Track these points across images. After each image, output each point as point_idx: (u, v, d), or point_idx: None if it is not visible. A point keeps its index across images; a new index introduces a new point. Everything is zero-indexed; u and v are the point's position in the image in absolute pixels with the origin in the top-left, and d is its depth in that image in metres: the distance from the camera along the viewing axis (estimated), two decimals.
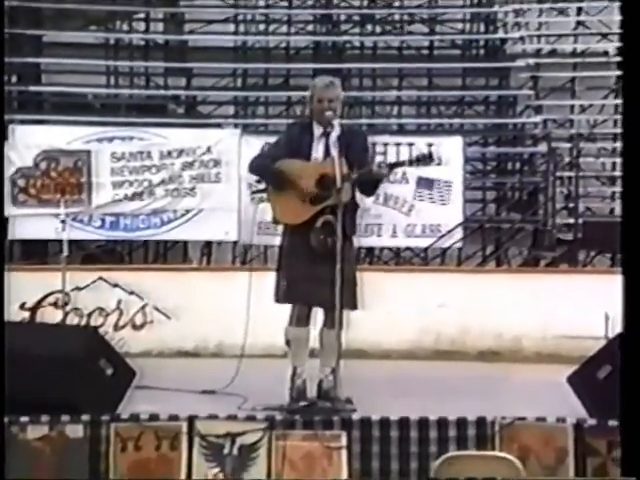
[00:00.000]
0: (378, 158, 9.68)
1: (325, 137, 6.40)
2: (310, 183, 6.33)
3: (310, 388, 6.50)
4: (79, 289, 9.03)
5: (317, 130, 6.46)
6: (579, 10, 13.52)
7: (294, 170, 6.36)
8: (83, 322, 8.97)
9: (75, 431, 5.87)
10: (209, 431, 5.93)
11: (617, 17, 13.25)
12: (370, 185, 6.48)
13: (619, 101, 12.88)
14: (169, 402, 6.48)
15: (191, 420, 5.95)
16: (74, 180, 10.23)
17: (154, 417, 5.97)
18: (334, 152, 6.32)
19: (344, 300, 6.25)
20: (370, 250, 10.91)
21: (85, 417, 5.89)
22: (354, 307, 6.48)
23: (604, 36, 13.39)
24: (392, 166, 6.69)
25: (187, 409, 6.11)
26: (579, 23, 13.49)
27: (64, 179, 10.23)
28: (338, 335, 6.21)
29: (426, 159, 6.48)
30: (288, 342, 6.56)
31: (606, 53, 13.26)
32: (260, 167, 6.59)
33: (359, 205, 6.60)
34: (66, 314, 8.95)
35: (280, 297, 6.49)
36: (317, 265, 6.23)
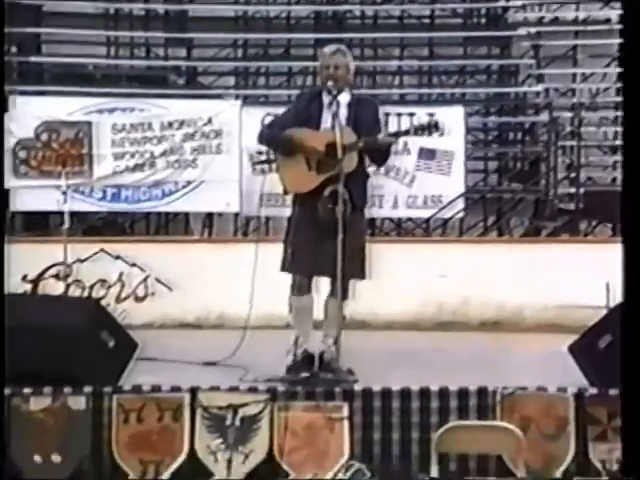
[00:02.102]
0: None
1: (335, 106, 6.39)
2: (318, 151, 6.33)
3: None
4: (81, 261, 9.05)
5: (326, 99, 6.46)
6: None
7: (303, 138, 6.38)
8: (85, 294, 9.00)
9: (78, 403, 5.90)
10: (211, 402, 5.96)
11: None
12: (379, 154, 6.48)
13: (621, 69, 12.85)
14: (171, 374, 6.50)
15: (193, 391, 5.97)
16: (75, 151, 10.21)
17: (156, 388, 5.99)
18: (342, 121, 6.32)
19: (352, 270, 6.30)
20: (371, 221, 10.89)
21: (87, 389, 5.92)
22: (362, 277, 6.50)
23: (606, 3, 13.26)
24: (397, 134, 6.69)
25: (189, 381, 6.13)
26: None
27: (65, 150, 10.21)
28: (340, 305, 6.23)
29: (431, 127, 6.50)
30: (291, 311, 6.59)
31: (608, 20, 13.14)
32: (269, 136, 6.62)
33: (369, 175, 6.61)
34: (68, 286, 8.97)
35: (286, 266, 6.50)
36: (324, 235, 6.24)
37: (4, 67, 10.78)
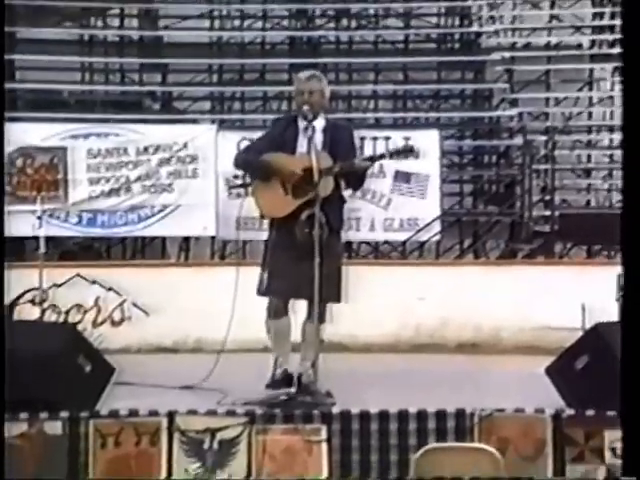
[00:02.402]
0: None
1: (310, 131, 6.42)
2: (294, 176, 6.36)
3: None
4: (57, 286, 9.00)
5: (301, 124, 6.50)
6: (552, 3, 13.58)
7: (279, 163, 6.40)
8: (61, 319, 8.95)
9: (54, 428, 5.86)
10: (189, 426, 5.93)
11: (589, 10, 13.39)
12: (355, 178, 6.53)
13: (593, 93, 13.00)
14: (149, 398, 6.47)
15: (171, 415, 5.94)
16: (50, 177, 10.18)
17: (134, 413, 5.96)
18: (318, 146, 6.35)
19: (329, 293, 6.31)
20: (348, 244, 10.91)
21: (64, 414, 5.88)
22: (338, 300, 6.52)
23: (577, 29, 13.47)
24: (373, 159, 6.72)
25: (167, 405, 6.10)
26: (552, 16, 13.54)
27: (40, 176, 10.17)
28: (317, 328, 6.24)
29: (407, 151, 6.58)
30: (269, 333, 6.59)
31: (579, 46, 13.35)
32: (245, 161, 6.67)
33: (345, 199, 6.64)
34: (44, 311, 8.91)
35: (263, 290, 6.51)
36: (302, 258, 6.25)
37: None
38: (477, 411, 6.01)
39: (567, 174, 12.10)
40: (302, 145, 6.48)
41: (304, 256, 6.22)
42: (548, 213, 11.08)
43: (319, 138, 6.43)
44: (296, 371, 6.48)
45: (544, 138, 12.05)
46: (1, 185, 9.51)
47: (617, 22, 13.01)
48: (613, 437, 5.80)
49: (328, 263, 6.28)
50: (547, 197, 11.36)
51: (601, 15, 13.35)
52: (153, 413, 5.97)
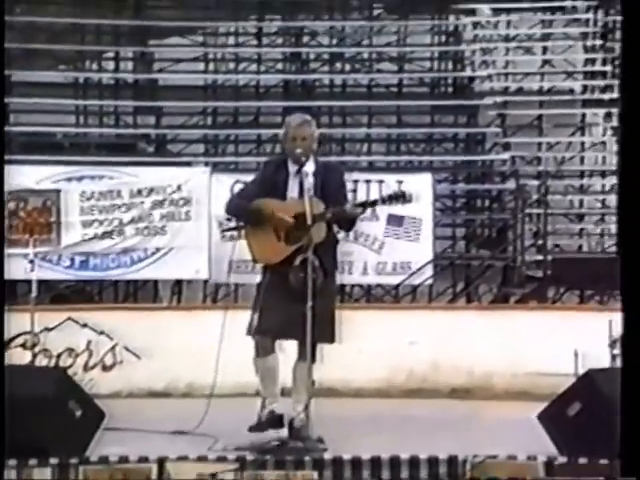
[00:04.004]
0: (349, 196, 9.72)
1: (300, 175, 6.44)
2: (286, 222, 6.36)
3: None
4: (48, 330, 8.96)
5: (292, 168, 6.51)
6: (545, 49, 13.70)
7: (271, 209, 6.41)
8: (52, 363, 8.90)
9: (43, 474, 5.82)
10: (179, 473, 5.88)
11: (582, 56, 13.50)
12: (347, 222, 6.53)
13: (585, 138, 13.07)
14: (139, 444, 6.43)
15: (161, 462, 5.91)
16: (43, 220, 10.17)
17: (123, 459, 5.92)
18: (309, 190, 6.35)
19: (322, 334, 6.30)
20: (341, 287, 10.90)
21: (53, 460, 5.84)
22: (332, 341, 6.50)
23: (569, 74, 13.58)
24: (365, 205, 6.72)
25: (158, 451, 6.06)
26: (545, 62, 13.66)
27: (33, 219, 10.17)
28: (309, 369, 6.21)
29: (399, 198, 6.56)
30: (257, 373, 6.56)
31: (571, 91, 13.45)
32: (237, 208, 6.66)
33: (338, 241, 6.64)
34: (35, 355, 8.86)
35: (253, 330, 6.48)
36: (294, 300, 6.24)
37: None
38: (469, 457, 5.98)
39: (559, 219, 12.12)
40: (293, 189, 6.49)
41: (297, 298, 6.22)
42: (540, 258, 11.09)
43: (310, 182, 6.43)
44: (288, 415, 6.44)
45: (537, 182, 12.10)
46: (1, 228, 9.46)
47: (609, 68, 13.13)
48: None
49: (321, 304, 6.28)
50: (539, 242, 11.38)
51: (593, 61, 13.47)
52: (143, 459, 5.93)
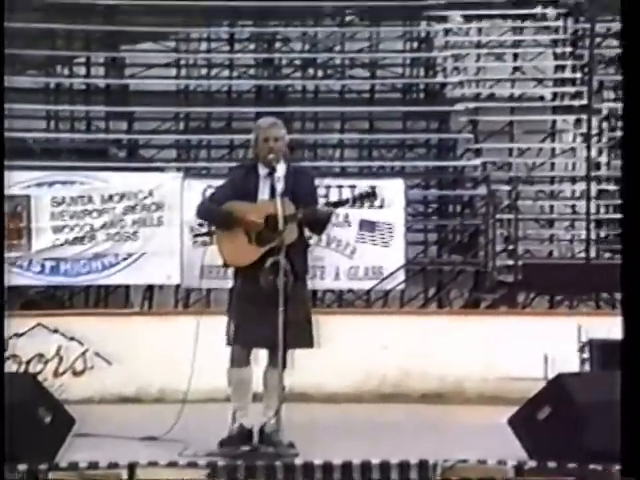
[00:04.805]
0: (320, 200, 9.75)
1: (271, 178, 6.44)
2: (257, 224, 6.36)
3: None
4: (18, 336, 8.91)
5: (263, 171, 6.51)
6: (515, 56, 13.80)
7: (241, 211, 6.40)
8: (22, 369, 8.84)
9: None
10: (150, 479, 5.86)
11: (551, 63, 13.60)
12: (318, 224, 6.54)
13: (555, 145, 13.17)
14: (109, 450, 6.40)
15: (131, 468, 5.88)
16: (13, 225, 10.13)
17: (93, 465, 5.89)
18: (280, 192, 6.36)
19: (300, 339, 6.31)
20: (313, 293, 10.90)
21: (22, 466, 5.80)
22: (311, 345, 6.49)
23: (539, 81, 13.69)
24: (336, 204, 6.73)
25: (128, 456, 6.03)
26: (515, 69, 13.75)
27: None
28: (280, 375, 6.21)
29: (369, 196, 6.61)
30: (230, 384, 6.54)
31: (542, 98, 13.57)
32: (208, 212, 6.65)
33: (310, 244, 6.65)
34: (4, 361, 8.80)
35: (231, 339, 6.47)
36: (267, 306, 6.22)
37: None
38: (440, 462, 6.00)
39: (530, 224, 12.20)
40: (264, 192, 6.49)
41: (269, 304, 6.20)
42: (511, 263, 11.15)
43: (281, 184, 6.44)
44: (259, 421, 6.43)
45: (507, 188, 12.17)
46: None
47: (578, 75, 13.24)
48: None
49: (295, 309, 6.28)
50: (510, 247, 11.44)
51: (563, 68, 13.57)
52: (113, 465, 5.90)
